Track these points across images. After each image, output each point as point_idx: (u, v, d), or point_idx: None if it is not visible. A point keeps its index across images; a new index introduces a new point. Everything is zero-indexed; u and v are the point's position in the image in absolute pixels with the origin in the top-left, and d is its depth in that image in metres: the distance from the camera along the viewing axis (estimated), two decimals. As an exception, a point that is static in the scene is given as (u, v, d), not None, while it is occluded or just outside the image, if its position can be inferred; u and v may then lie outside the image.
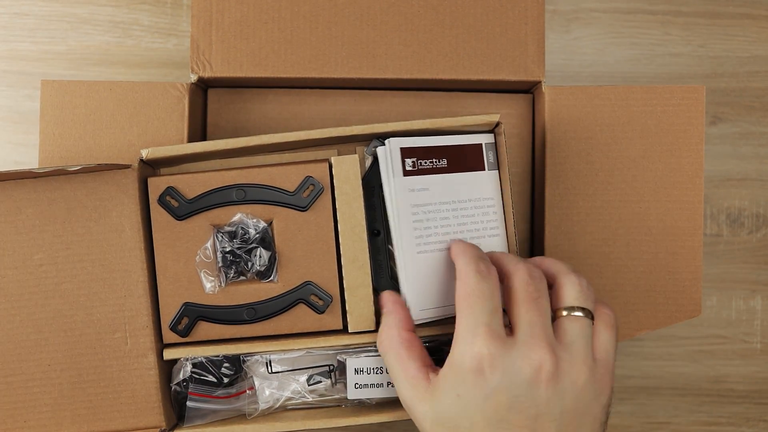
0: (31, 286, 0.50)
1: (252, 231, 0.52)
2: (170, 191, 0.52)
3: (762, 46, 0.68)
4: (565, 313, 0.46)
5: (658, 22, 0.68)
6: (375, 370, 0.52)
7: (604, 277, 0.57)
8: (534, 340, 0.44)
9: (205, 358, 0.52)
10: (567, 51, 0.67)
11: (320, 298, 0.52)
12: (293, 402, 0.53)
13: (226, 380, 0.53)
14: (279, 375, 0.53)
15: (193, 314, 0.52)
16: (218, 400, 0.53)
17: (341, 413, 0.53)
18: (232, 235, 0.52)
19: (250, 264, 0.52)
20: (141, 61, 0.66)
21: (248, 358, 0.53)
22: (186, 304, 0.52)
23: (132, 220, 0.50)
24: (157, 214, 0.52)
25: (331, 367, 0.53)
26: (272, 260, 0.53)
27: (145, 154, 0.51)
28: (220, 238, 0.52)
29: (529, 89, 0.61)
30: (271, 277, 0.53)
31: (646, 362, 0.67)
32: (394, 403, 0.53)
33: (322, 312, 0.53)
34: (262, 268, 0.52)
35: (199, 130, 0.59)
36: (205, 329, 0.52)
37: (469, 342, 0.44)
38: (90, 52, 0.66)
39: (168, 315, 0.52)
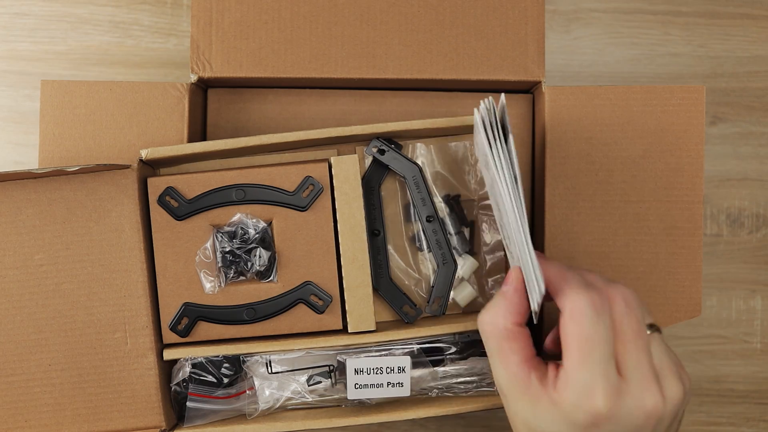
0: (31, 286, 0.50)
1: (252, 231, 0.52)
2: (170, 191, 0.52)
3: (762, 46, 0.68)
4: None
5: (658, 22, 0.68)
6: (375, 371, 0.52)
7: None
8: (645, 383, 0.42)
9: (205, 358, 0.52)
10: (567, 51, 0.67)
11: (320, 298, 0.52)
12: (293, 402, 0.53)
13: (225, 380, 0.53)
14: (279, 375, 0.53)
15: (193, 314, 0.52)
16: (218, 400, 0.53)
17: (341, 413, 0.53)
18: (232, 235, 0.52)
19: (249, 264, 0.52)
20: (141, 61, 0.66)
21: (248, 358, 0.53)
22: (186, 304, 0.52)
23: (131, 220, 0.50)
24: (157, 214, 0.52)
25: (331, 368, 0.53)
26: (272, 260, 0.53)
27: (144, 154, 0.51)
28: (219, 238, 0.52)
29: (529, 89, 0.61)
30: (271, 277, 0.53)
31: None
32: (394, 403, 0.53)
33: (322, 312, 0.53)
34: (262, 268, 0.52)
35: (199, 130, 0.59)
36: (205, 329, 0.52)
37: (587, 396, 0.41)
38: (90, 52, 0.66)
39: (168, 315, 0.52)
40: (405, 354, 0.53)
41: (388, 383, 0.52)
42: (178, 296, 0.52)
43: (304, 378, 0.53)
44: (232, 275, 0.52)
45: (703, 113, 0.57)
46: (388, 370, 0.52)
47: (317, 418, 0.51)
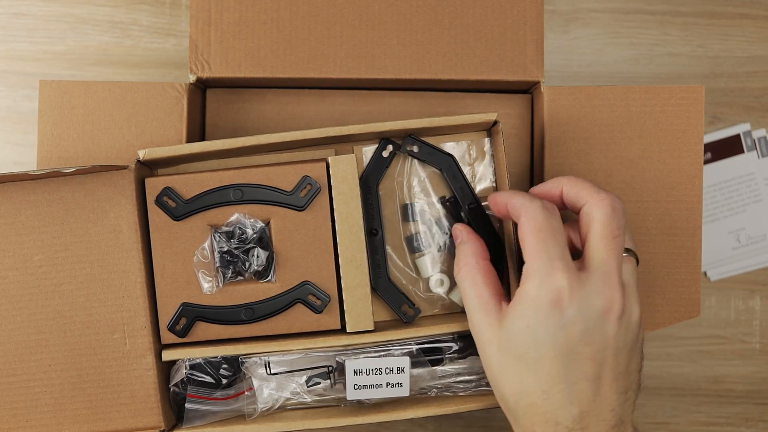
0: (31, 287, 0.50)
1: (249, 231, 0.52)
2: (167, 192, 0.52)
3: (761, 46, 0.68)
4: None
5: (657, 22, 0.68)
6: (374, 371, 0.52)
7: (603, 277, 0.57)
8: (609, 277, 0.45)
9: (204, 359, 0.52)
10: (566, 51, 0.67)
11: (318, 298, 0.52)
12: (292, 402, 0.53)
13: (224, 381, 0.53)
14: (277, 376, 0.53)
15: (191, 315, 0.52)
16: (217, 401, 0.53)
17: (340, 413, 0.52)
18: (230, 235, 0.52)
19: (247, 264, 0.52)
20: (139, 61, 0.66)
21: (246, 359, 0.53)
22: (184, 304, 0.52)
23: (129, 221, 0.50)
24: (155, 214, 0.52)
25: (330, 368, 0.53)
26: (270, 260, 0.52)
27: (142, 154, 0.51)
28: (217, 238, 0.52)
29: (527, 89, 0.61)
30: (269, 277, 0.53)
31: (646, 362, 0.67)
32: (392, 403, 0.53)
33: (320, 312, 0.52)
34: (260, 268, 0.52)
35: (197, 131, 0.59)
36: (203, 329, 0.52)
37: (547, 275, 0.45)
38: (89, 52, 0.66)
39: (166, 315, 0.52)
40: (404, 354, 0.53)
41: (387, 384, 0.52)
42: (176, 296, 0.52)
43: (302, 379, 0.53)
44: (230, 275, 0.52)
45: (702, 113, 0.57)
46: (387, 370, 0.52)
47: (316, 418, 0.51)
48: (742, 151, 0.68)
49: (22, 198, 0.50)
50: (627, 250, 0.48)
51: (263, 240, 0.52)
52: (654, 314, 0.57)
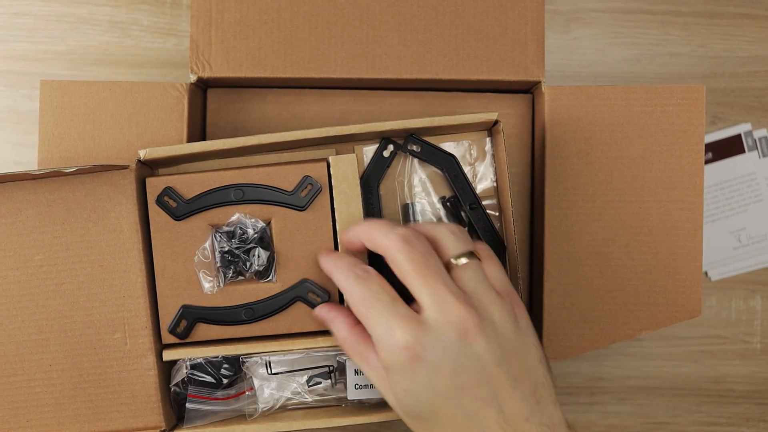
0: (32, 287, 0.50)
1: (250, 231, 0.52)
2: (168, 191, 0.52)
3: (761, 45, 0.68)
4: (454, 262, 0.46)
5: (658, 22, 0.68)
6: None
7: (604, 277, 0.57)
8: (443, 304, 0.43)
9: (204, 359, 0.52)
10: (567, 51, 0.67)
11: (318, 295, 0.52)
12: (293, 402, 0.53)
13: (225, 381, 0.53)
14: (278, 376, 0.53)
15: (192, 316, 0.52)
16: (217, 401, 0.53)
17: (341, 413, 0.52)
18: (231, 235, 0.52)
19: (248, 264, 0.52)
20: (140, 60, 0.66)
21: (247, 359, 0.53)
22: (184, 306, 0.52)
23: (130, 220, 0.50)
24: (156, 214, 0.52)
25: (331, 368, 0.53)
26: (271, 260, 0.52)
27: (143, 154, 0.51)
28: (218, 238, 0.52)
29: (528, 89, 0.61)
30: (270, 277, 0.52)
31: (646, 362, 0.67)
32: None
33: None
34: (261, 268, 0.52)
35: (198, 131, 0.59)
36: (204, 330, 0.52)
37: (390, 338, 0.43)
38: (89, 52, 0.66)
39: (167, 316, 0.52)
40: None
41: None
42: (176, 296, 0.52)
43: (303, 379, 0.53)
44: (230, 275, 0.52)
45: (702, 113, 0.57)
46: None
47: (317, 417, 0.51)
48: (743, 151, 0.68)
49: (23, 197, 0.50)
50: (466, 255, 0.46)
51: (264, 240, 0.52)
52: (655, 314, 0.57)
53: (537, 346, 0.46)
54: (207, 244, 0.52)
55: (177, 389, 0.53)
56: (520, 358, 0.44)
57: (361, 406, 0.54)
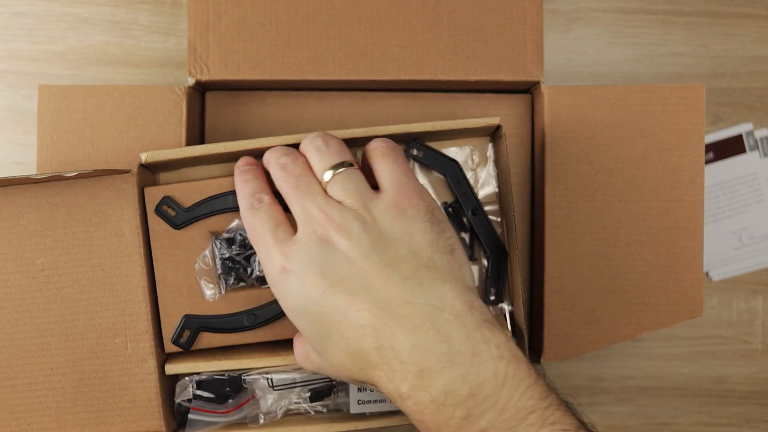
0: (33, 291, 0.50)
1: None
2: (167, 201, 0.51)
3: (763, 45, 0.67)
4: (326, 179, 0.46)
5: (659, 21, 0.67)
6: None
7: (605, 277, 0.57)
8: (309, 217, 0.45)
9: (208, 376, 0.52)
10: (567, 51, 0.67)
11: None
12: (294, 411, 0.53)
13: (229, 401, 0.53)
14: (280, 390, 0.53)
15: (195, 326, 0.52)
16: (219, 414, 0.52)
17: (342, 418, 0.52)
18: (231, 242, 0.52)
19: (249, 270, 0.52)
20: (140, 60, 0.66)
21: (248, 376, 0.52)
22: (186, 316, 0.52)
23: (131, 224, 0.50)
24: (155, 223, 0.52)
25: (333, 383, 0.53)
26: None
27: (144, 157, 0.51)
28: (218, 245, 0.52)
29: (528, 89, 0.60)
30: None
31: (647, 363, 0.67)
32: (396, 411, 0.53)
33: None
34: (262, 274, 0.52)
35: (197, 134, 0.59)
36: (207, 338, 0.52)
37: (269, 262, 0.45)
38: (89, 51, 0.66)
39: (169, 326, 0.52)
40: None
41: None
42: (178, 305, 0.52)
43: (306, 394, 0.53)
44: (232, 281, 0.52)
45: (703, 112, 0.57)
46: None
47: (318, 423, 0.51)
48: (744, 151, 0.68)
49: (25, 201, 0.50)
50: (335, 167, 0.46)
51: None
52: (656, 314, 0.57)
53: (424, 232, 0.44)
54: (207, 252, 0.52)
55: (181, 403, 0.53)
56: (397, 246, 0.43)
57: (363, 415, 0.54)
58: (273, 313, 0.52)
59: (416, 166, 0.56)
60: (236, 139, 0.52)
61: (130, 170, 0.51)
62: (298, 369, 0.52)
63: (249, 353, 0.52)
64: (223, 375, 0.52)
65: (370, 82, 0.57)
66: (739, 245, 0.68)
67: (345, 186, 0.46)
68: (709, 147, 0.67)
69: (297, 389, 0.53)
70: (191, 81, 0.56)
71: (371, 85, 0.59)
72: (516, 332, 0.54)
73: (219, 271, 0.52)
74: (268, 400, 0.53)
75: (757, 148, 0.68)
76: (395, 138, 0.54)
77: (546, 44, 0.59)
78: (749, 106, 0.67)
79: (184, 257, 0.52)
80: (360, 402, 0.52)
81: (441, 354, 0.40)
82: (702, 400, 0.67)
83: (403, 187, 0.46)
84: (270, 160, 0.49)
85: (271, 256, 0.45)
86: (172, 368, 0.52)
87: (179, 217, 0.52)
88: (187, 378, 0.52)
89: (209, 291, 0.52)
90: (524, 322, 0.52)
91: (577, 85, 0.57)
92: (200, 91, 0.59)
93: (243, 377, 0.52)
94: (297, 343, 0.49)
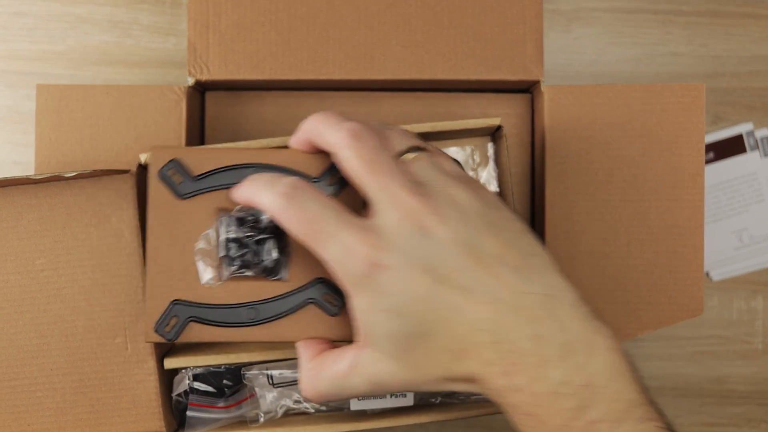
0: (33, 291, 0.50)
1: (264, 219, 0.46)
2: (174, 165, 0.45)
3: (764, 45, 0.67)
4: (404, 158, 0.41)
5: (659, 21, 0.67)
6: None
7: (605, 276, 0.57)
8: (396, 198, 0.39)
9: (206, 369, 0.52)
10: (568, 51, 0.67)
11: (334, 299, 0.46)
12: (294, 410, 0.53)
13: (227, 392, 0.52)
14: (281, 387, 0.53)
15: (184, 314, 0.45)
16: (219, 410, 0.53)
17: (342, 418, 0.52)
18: (241, 222, 0.46)
19: (257, 257, 0.46)
20: (140, 60, 0.66)
21: (248, 371, 0.52)
22: (176, 302, 0.45)
23: (131, 225, 0.50)
24: (156, 190, 0.45)
25: None
26: (284, 255, 0.46)
27: (143, 158, 0.51)
28: (226, 223, 0.46)
29: (528, 89, 0.60)
30: (280, 275, 0.46)
31: (647, 363, 0.67)
32: (396, 410, 0.53)
33: (335, 314, 0.46)
34: (272, 264, 0.46)
35: (197, 134, 0.59)
36: (197, 331, 0.45)
37: (351, 257, 0.39)
38: (89, 51, 0.66)
39: (154, 310, 0.45)
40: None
41: (391, 395, 0.52)
42: (168, 287, 0.45)
43: None
44: (235, 268, 0.46)
45: (703, 111, 0.57)
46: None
47: (318, 423, 0.51)
48: (745, 151, 0.68)
49: (24, 202, 0.50)
50: (415, 149, 0.42)
51: (278, 231, 0.46)
52: (657, 313, 0.57)
53: (515, 219, 0.42)
54: (212, 230, 0.46)
55: (179, 398, 0.53)
56: (497, 232, 0.40)
57: (364, 411, 0.54)
58: (278, 310, 0.46)
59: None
60: (236, 139, 0.52)
61: (129, 170, 0.50)
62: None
63: (249, 347, 0.52)
64: (219, 368, 0.52)
65: (370, 81, 0.57)
66: (739, 245, 0.68)
67: (430, 167, 0.41)
68: (710, 147, 0.67)
69: (297, 386, 0.53)
70: (191, 81, 0.56)
71: (371, 85, 0.59)
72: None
73: (222, 254, 0.46)
74: (268, 399, 0.53)
75: (758, 147, 0.68)
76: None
77: (546, 44, 0.59)
78: (750, 105, 0.67)
79: (183, 233, 0.45)
80: (360, 398, 0.52)
81: (561, 343, 0.38)
82: (702, 400, 0.67)
83: (473, 180, 0.43)
84: (327, 125, 0.42)
85: (353, 250, 0.38)
86: (171, 362, 0.51)
87: (185, 185, 0.45)
88: (183, 371, 0.52)
89: (207, 275, 0.45)
90: None
91: (577, 85, 0.57)
92: (200, 91, 0.59)
93: (243, 372, 0.52)
94: (340, 355, 0.42)
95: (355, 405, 0.52)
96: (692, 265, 0.57)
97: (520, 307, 0.38)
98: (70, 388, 0.51)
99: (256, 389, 0.52)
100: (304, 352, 0.44)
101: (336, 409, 0.54)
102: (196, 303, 0.45)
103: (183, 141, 0.55)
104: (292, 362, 0.52)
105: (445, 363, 0.39)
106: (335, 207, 0.40)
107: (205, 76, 0.56)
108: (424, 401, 0.54)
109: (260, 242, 0.46)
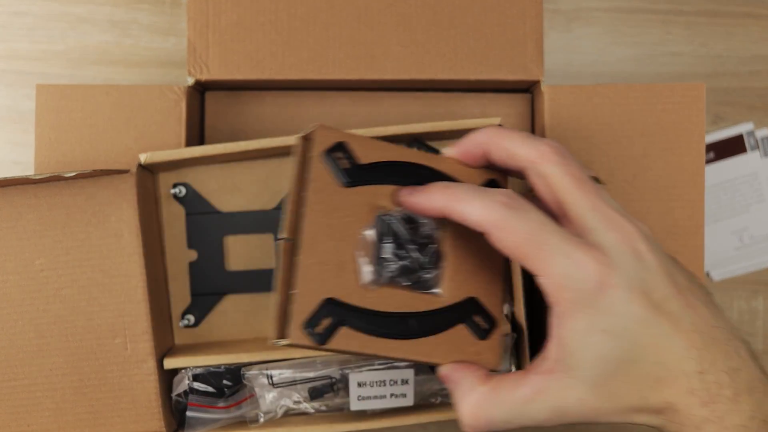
0: (32, 291, 0.50)
1: (425, 228, 0.44)
2: (342, 147, 0.41)
3: (764, 45, 0.67)
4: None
5: (660, 21, 0.67)
6: (378, 383, 0.51)
7: (605, 277, 0.57)
8: (613, 221, 0.39)
9: (206, 369, 0.52)
10: (568, 50, 0.67)
11: (485, 321, 0.44)
12: (294, 410, 0.53)
13: (227, 392, 0.52)
14: (280, 388, 0.53)
15: (338, 316, 0.40)
16: (218, 410, 0.52)
17: (342, 418, 0.52)
18: (410, 221, 0.43)
19: (415, 267, 0.43)
20: (140, 60, 0.66)
21: (247, 371, 0.52)
22: (330, 301, 0.40)
23: (131, 225, 0.50)
24: (320, 172, 0.41)
25: (333, 380, 0.53)
26: (439, 266, 0.44)
27: (143, 158, 0.51)
28: (388, 225, 0.42)
29: (528, 89, 0.60)
30: (435, 289, 0.43)
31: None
32: (396, 410, 0.53)
33: (484, 338, 0.44)
34: (429, 276, 0.43)
35: (196, 133, 0.59)
36: (345, 337, 0.40)
37: (579, 271, 0.38)
38: (88, 51, 0.66)
39: (305, 306, 0.40)
40: (408, 365, 0.52)
41: (392, 395, 0.51)
42: (321, 283, 0.40)
43: (305, 392, 0.53)
44: (392, 274, 0.42)
45: (703, 111, 0.57)
46: (392, 382, 0.51)
47: (318, 423, 0.51)
48: (745, 151, 0.68)
49: (24, 202, 0.50)
50: (593, 179, 0.42)
51: (434, 240, 0.44)
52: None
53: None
54: (371, 228, 0.42)
55: (179, 398, 0.53)
56: (679, 268, 0.41)
57: (364, 412, 0.53)
58: (429, 326, 0.42)
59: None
60: (236, 139, 0.52)
61: (129, 170, 0.50)
62: (299, 364, 0.52)
63: (248, 347, 0.52)
64: (219, 368, 0.52)
65: (370, 81, 0.57)
66: (739, 245, 0.68)
67: (610, 197, 0.41)
68: (710, 147, 0.67)
69: (297, 386, 0.53)
70: (191, 81, 0.56)
71: (371, 85, 0.59)
72: (516, 332, 0.54)
73: (383, 256, 0.42)
74: (268, 399, 0.52)
75: (758, 147, 0.68)
76: (396, 138, 0.54)
77: (546, 44, 0.59)
78: (750, 105, 0.67)
79: (342, 225, 0.41)
80: (360, 398, 0.52)
81: (747, 379, 0.39)
82: (703, 400, 0.67)
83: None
84: (518, 140, 0.41)
85: (583, 265, 0.38)
86: (171, 362, 0.51)
87: (351, 173, 0.41)
88: (183, 371, 0.52)
89: (367, 277, 0.41)
90: (524, 322, 0.52)
91: (577, 84, 0.57)
92: (200, 91, 0.59)
93: (242, 372, 0.52)
94: (519, 381, 0.40)
95: (355, 405, 0.52)
96: (693, 265, 0.57)
97: (714, 339, 0.39)
98: (70, 388, 0.51)
99: (256, 389, 0.52)
100: (466, 376, 0.42)
101: (336, 409, 0.54)
102: (351, 305, 0.41)
103: (183, 141, 0.55)
104: (291, 362, 0.52)
105: (644, 391, 0.39)
106: (552, 221, 0.39)
107: (204, 76, 0.56)
108: (424, 401, 0.54)
109: (420, 251, 0.43)
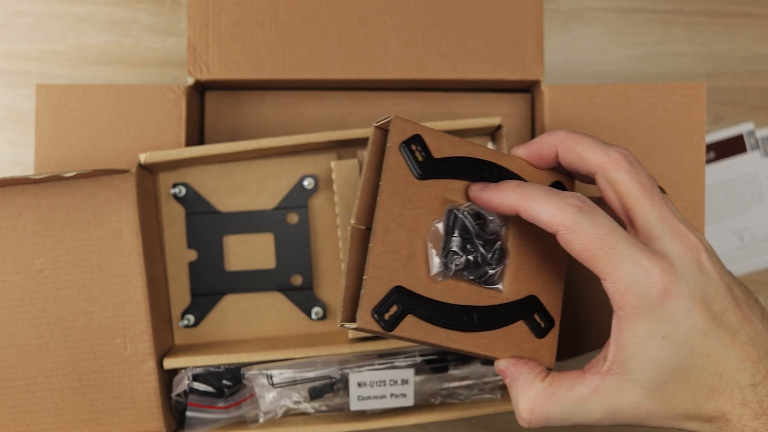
0: (32, 291, 0.50)
1: (493, 225, 0.44)
2: (418, 140, 0.42)
3: (764, 45, 0.67)
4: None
5: (660, 21, 0.67)
6: (378, 383, 0.51)
7: (606, 276, 0.57)
8: (678, 231, 0.40)
9: (206, 369, 0.52)
10: (568, 50, 0.67)
11: (543, 320, 0.45)
12: (294, 411, 0.53)
13: (226, 392, 0.52)
14: (280, 388, 0.52)
15: (406, 304, 0.41)
16: (218, 410, 0.52)
17: (342, 418, 0.52)
18: (478, 217, 0.44)
19: (481, 261, 0.44)
20: (140, 60, 0.66)
21: (247, 371, 0.52)
22: (399, 289, 0.41)
23: (130, 224, 0.50)
24: (396, 162, 0.42)
25: (333, 380, 0.53)
26: (502, 263, 0.45)
27: (143, 158, 0.51)
28: (459, 219, 0.43)
29: (528, 88, 0.60)
30: (498, 285, 0.44)
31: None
32: (396, 410, 0.53)
33: (542, 336, 0.45)
34: (494, 271, 0.44)
35: (196, 133, 0.59)
36: (410, 325, 0.41)
37: (645, 277, 0.38)
38: (88, 51, 0.66)
39: (376, 293, 0.41)
40: (408, 365, 0.52)
41: (391, 395, 0.51)
42: (392, 271, 0.41)
43: (305, 392, 0.53)
44: (459, 267, 0.43)
45: (703, 111, 0.57)
46: (391, 382, 0.51)
47: (318, 424, 0.51)
48: (745, 151, 0.68)
49: (23, 202, 0.50)
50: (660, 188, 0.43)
51: (500, 237, 0.45)
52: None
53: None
54: (441, 221, 0.43)
55: (178, 398, 0.52)
56: (737, 282, 0.42)
57: (364, 412, 0.53)
58: (493, 320, 0.43)
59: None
60: (236, 139, 0.52)
61: (128, 170, 0.50)
62: (299, 365, 0.52)
63: (247, 347, 0.52)
64: (219, 368, 0.52)
65: (370, 81, 0.57)
66: (740, 245, 0.68)
67: (677, 211, 0.42)
68: (710, 146, 0.67)
69: (297, 386, 0.53)
70: (190, 80, 0.56)
71: (371, 85, 0.59)
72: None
73: (453, 248, 0.43)
74: (267, 399, 0.52)
75: (758, 147, 0.68)
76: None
77: (547, 43, 0.59)
78: (750, 105, 0.67)
79: (414, 216, 0.42)
80: (360, 398, 0.52)
81: None
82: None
83: None
84: (588, 144, 0.42)
85: (650, 272, 0.38)
86: (170, 362, 0.51)
87: (425, 165, 0.42)
88: (183, 371, 0.52)
89: (436, 268, 0.42)
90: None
91: (577, 84, 0.57)
92: (199, 91, 0.59)
93: (242, 372, 0.52)
94: (577, 380, 0.41)
95: (355, 405, 0.52)
96: (693, 265, 0.57)
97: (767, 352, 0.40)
98: (70, 388, 0.51)
99: (256, 389, 0.52)
100: (524, 372, 0.43)
101: (336, 409, 0.54)
102: (418, 294, 0.42)
103: (183, 141, 0.55)
104: (291, 362, 0.52)
105: (698, 399, 0.40)
106: (620, 227, 0.40)
107: (204, 76, 0.56)
108: (424, 401, 0.54)
109: (486, 247, 0.44)
